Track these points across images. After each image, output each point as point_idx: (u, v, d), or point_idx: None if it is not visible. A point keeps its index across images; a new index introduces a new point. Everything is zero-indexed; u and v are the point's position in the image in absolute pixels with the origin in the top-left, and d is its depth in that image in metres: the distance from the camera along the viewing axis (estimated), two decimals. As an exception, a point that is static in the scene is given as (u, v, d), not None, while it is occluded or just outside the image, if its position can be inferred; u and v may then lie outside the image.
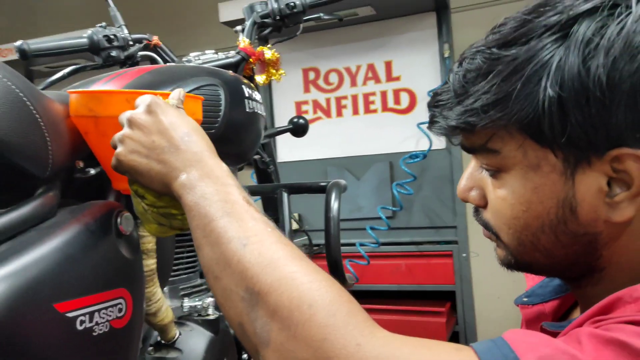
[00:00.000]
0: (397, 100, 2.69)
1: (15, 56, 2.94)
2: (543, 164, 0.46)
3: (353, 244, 2.42)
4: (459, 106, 0.48)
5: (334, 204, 1.10)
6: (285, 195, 1.37)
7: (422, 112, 2.57)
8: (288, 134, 1.65)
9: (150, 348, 0.87)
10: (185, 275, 1.05)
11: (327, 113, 2.81)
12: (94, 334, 0.59)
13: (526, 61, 0.44)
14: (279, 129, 1.62)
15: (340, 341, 0.41)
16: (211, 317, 0.93)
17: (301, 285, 0.44)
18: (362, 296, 2.52)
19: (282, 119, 2.77)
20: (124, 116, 0.60)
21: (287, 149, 2.80)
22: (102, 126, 0.66)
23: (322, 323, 0.42)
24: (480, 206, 0.54)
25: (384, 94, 2.71)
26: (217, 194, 0.52)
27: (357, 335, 0.41)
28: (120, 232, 0.67)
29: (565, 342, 0.40)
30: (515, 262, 0.52)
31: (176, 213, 0.62)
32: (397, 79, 2.68)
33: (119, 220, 0.67)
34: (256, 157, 1.50)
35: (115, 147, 0.60)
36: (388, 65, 2.69)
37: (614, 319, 0.41)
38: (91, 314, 0.58)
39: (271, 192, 1.42)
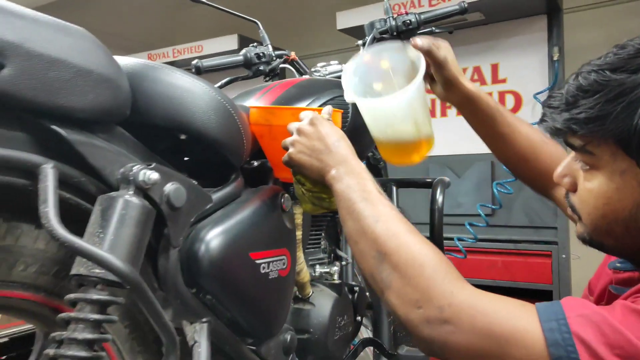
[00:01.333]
0: (502, 102, 2.76)
1: (162, 60, 3.46)
2: (628, 171, 0.57)
3: (451, 239, 2.56)
4: (566, 113, 0.60)
5: (439, 198, 1.29)
6: (394, 188, 1.58)
7: (527, 114, 2.62)
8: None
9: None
10: (313, 249, 1.31)
11: (432, 113, 2.96)
12: (269, 277, 0.85)
13: (630, 89, 0.55)
14: (389, 130, 1.82)
15: (440, 288, 0.61)
16: (336, 282, 1.17)
17: (414, 251, 0.65)
18: (458, 288, 2.65)
19: (388, 118, 2.96)
20: (294, 126, 0.84)
21: (393, 146, 2.98)
22: (274, 132, 0.91)
23: (428, 276, 0.62)
24: (571, 191, 0.67)
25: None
26: (357, 185, 0.75)
27: (451, 286, 0.61)
28: (282, 209, 0.92)
29: (604, 308, 0.55)
30: (589, 239, 0.66)
31: (325, 197, 0.86)
32: (503, 81, 2.76)
33: (282, 199, 0.93)
34: (369, 154, 1.72)
35: (286, 149, 0.85)
36: (494, 67, 2.78)
37: None
38: (268, 263, 0.84)
39: (381, 185, 1.64)
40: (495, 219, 2.61)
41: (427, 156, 1.00)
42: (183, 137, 0.80)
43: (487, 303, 0.59)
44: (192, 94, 0.77)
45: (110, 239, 0.61)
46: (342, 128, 1.19)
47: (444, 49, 0.93)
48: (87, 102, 0.61)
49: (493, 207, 2.57)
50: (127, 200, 0.63)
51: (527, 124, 0.99)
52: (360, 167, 0.79)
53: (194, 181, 0.80)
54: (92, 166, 0.64)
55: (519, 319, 0.56)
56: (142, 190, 0.66)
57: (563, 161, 0.68)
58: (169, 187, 0.70)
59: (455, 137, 2.89)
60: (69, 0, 3.69)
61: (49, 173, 0.58)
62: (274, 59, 1.49)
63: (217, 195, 0.81)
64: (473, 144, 2.83)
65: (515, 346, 0.55)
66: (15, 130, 0.59)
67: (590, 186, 0.62)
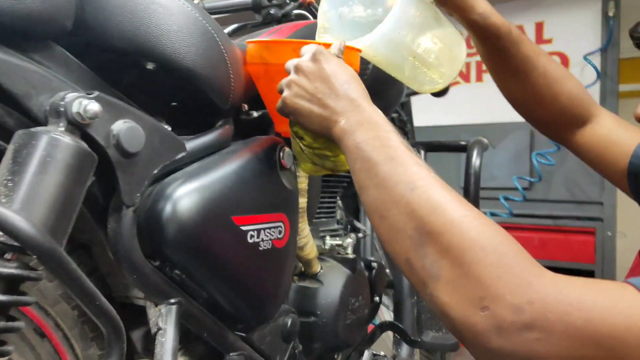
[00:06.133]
0: (546, 65, 2.51)
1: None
2: None
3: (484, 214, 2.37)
4: None
5: (476, 161, 1.10)
6: (422, 152, 1.39)
7: (574, 78, 2.37)
8: (427, 95, 1.64)
9: (295, 277, 0.96)
10: (325, 219, 1.13)
11: (466, 78, 2.71)
12: (260, 248, 0.68)
13: None
14: (419, 88, 1.62)
15: (513, 280, 0.42)
16: (350, 257, 0.99)
17: (472, 228, 0.46)
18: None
19: (418, 82, 2.75)
20: (291, 63, 0.65)
21: (422, 114, 2.77)
22: (271, 72, 0.73)
23: (494, 263, 0.43)
24: None
25: (530, 58, 2.55)
26: (377, 140, 0.55)
27: (527, 275, 0.42)
28: (282, 165, 0.75)
29: None
30: None
31: (330, 155, 0.67)
32: (549, 41, 2.49)
33: (281, 154, 0.75)
34: (394, 115, 1.53)
35: (281, 92, 0.66)
36: (539, 26, 2.51)
37: None
38: (259, 230, 0.67)
39: (408, 149, 1.45)
40: (534, 193, 2.40)
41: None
42: (150, 66, 0.62)
43: (579, 292, 0.41)
44: (161, 7, 0.59)
45: (24, 191, 0.44)
46: (361, 77, 1.01)
47: None
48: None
49: (531, 179, 2.35)
50: (53, 138, 0.47)
51: (544, 54, 0.80)
52: (378, 114, 0.59)
53: (165, 125, 0.63)
54: (9, 92, 0.48)
55: (624, 305, 0.40)
56: (79, 127, 0.49)
57: None
58: (120, 125, 0.52)
59: (491, 104, 2.65)
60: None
61: None
62: (287, 2, 1.29)
63: (193, 143, 0.64)
64: (511, 112, 2.61)
65: (630, 342, 0.39)
66: None
67: None
